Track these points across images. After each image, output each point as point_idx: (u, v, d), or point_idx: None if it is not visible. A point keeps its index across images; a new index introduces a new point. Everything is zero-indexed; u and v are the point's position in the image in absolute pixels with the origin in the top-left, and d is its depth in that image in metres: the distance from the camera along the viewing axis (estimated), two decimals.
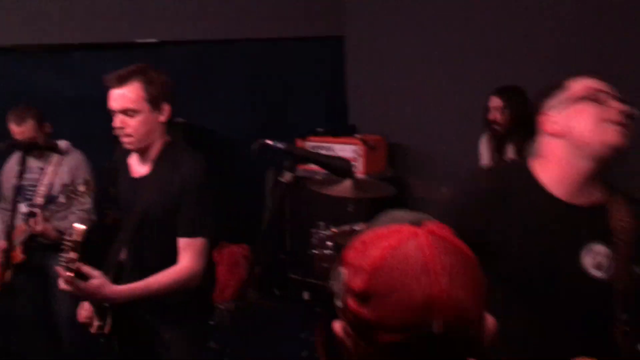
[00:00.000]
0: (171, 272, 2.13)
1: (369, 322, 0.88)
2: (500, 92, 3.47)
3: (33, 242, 3.39)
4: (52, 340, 3.61)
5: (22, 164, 2.36)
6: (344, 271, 0.94)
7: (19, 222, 3.57)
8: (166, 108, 2.21)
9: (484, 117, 3.52)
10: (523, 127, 3.40)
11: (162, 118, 2.21)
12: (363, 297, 0.89)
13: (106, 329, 2.18)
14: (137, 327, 2.27)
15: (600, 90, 1.54)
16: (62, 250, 2.05)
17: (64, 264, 1.98)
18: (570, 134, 1.55)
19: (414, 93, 4.53)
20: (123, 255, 2.30)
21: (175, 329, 2.24)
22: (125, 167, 2.34)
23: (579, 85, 1.57)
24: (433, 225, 0.94)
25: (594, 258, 1.55)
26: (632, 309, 1.52)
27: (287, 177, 1.80)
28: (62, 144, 2.58)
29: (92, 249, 2.28)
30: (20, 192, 3.49)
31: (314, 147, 4.46)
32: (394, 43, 4.63)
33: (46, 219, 3.25)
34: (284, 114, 4.78)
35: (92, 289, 2.02)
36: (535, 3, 3.79)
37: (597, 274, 1.54)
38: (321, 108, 5.01)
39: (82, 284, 2.00)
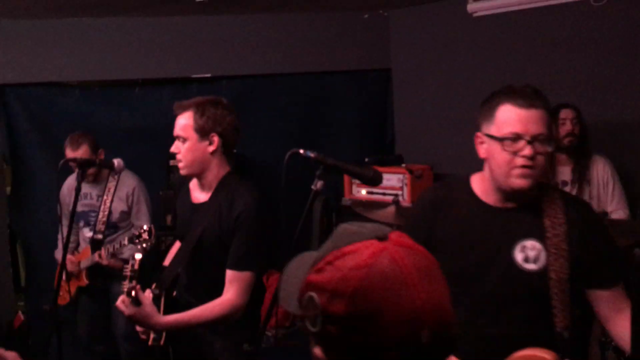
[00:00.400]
0: (215, 305, 2.24)
1: (356, 344, 0.86)
2: (568, 105, 3.44)
3: (97, 269, 3.61)
4: (110, 354, 3.80)
5: (79, 183, 2.52)
6: (314, 295, 0.90)
7: (84, 246, 3.80)
8: (215, 139, 2.31)
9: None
10: (583, 148, 3.42)
11: (211, 148, 2.31)
12: (346, 321, 0.86)
13: (161, 341, 2.32)
14: (190, 338, 2.40)
15: (517, 135, 1.68)
16: (123, 278, 2.28)
17: (125, 290, 2.17)
18: (489, 164, 1.78)
19: (459, 123, 4.57)
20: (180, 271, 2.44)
21: (224, 339, 2.34)
22: (185, 192, 2.49)
23: (503, 123, 1.71)
24: (396, 236, 0.93)
25: (526, 252, 1.73)
26: (563, 296, 1.68)
27: (317, 185, 1.88)
28: (117, 162, 2.75)
29: (146, 271, 2.44)
30: (82, 216, 3.73)
31: None
32: (439, 74, 4.71)
33: (112, 255, 3.45)
34: (333, 144, 4.88)
35: (142, 316, 2.18)
36: (571, 36, 3.81)
37: (529, 266, 1.72)
38: (369, 138, 5.11)
39: (134, 310, 2.16)
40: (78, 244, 3.86)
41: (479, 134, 1.80)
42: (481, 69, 4.38)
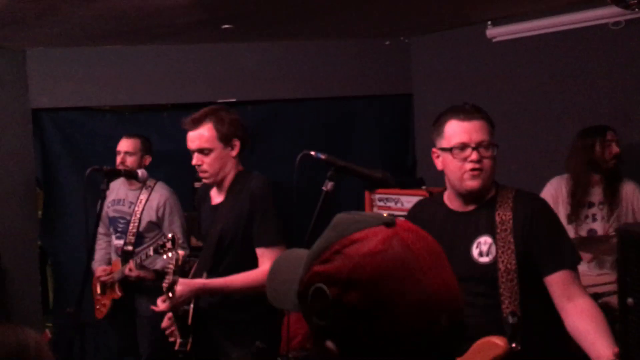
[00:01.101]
0: (251, 272, 2.34)
1: (373, 333, 0.82)
2: (610, 127, 3.42)
3: (126, 282, 3.68)
4: None
5: (104, 192, 2.62)
6: (323, 287, 0.86)
7: (114, 257, 3.85)
8: (237, 143, 2.44)
9: (583, 157, 3.40)
10: (617, 166, 3.40)
11: (234, 153, 2.44)
12: (362, 311, 0.83)
13: (188, 347, 2.38)
14: (212, 346, 2.46)
15: (463, 144, 1.93)
16: (166, 274, 2.35)
17: (166, 285, 2.25)
18: (445, 173, 2.02)
19: None
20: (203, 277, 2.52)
21: (241, 349, 2.40)
22: (207, 199, 2.60)
23: (450, 136, 1.97)
24: (401, 221, 0.90)
25: (480, 247, 1.95)
26: (511, 285, 1.87)
27: (328, 186, 1.97)
28: (140, 172, 2.86)
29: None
30: (112, 222, 3.80)
31: (381, 198, 4.60)
32: (459, 99, 4.76)
33: (141, 266, 3.51)
34: None
35: (182, 291, 2.28)
36: (591, 60, 3.85)
37: (483, 259, 1.93)
38: (390, 161, 5.17)
39: (173, 298, 2.26)
40: (109, 251, 3.89)
41: (434, 149, 2.04)
42: (501, 94, 4.43)
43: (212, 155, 2.41)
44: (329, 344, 0.86)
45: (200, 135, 2.41)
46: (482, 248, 1.95)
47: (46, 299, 4.68)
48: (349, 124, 5.08)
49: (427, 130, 5.28)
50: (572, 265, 1.92)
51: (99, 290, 3.84)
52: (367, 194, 4.67)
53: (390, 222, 0.88)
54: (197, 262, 2.56)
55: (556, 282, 1.89)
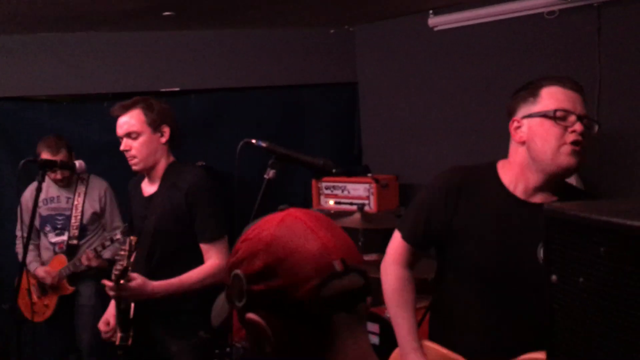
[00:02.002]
0: (202, 268, 2.34)
1: (281, 287, 0.94)
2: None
3: (74, 275, 3.61)
4: None
5: (40, 184, 2.54)
6: (237, 271, 0.98)
7: (48, 253, 3.75)
8: (166, 130, 2.43)
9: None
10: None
11: (163, 139, 2.44)
12: (267, 271, 0.95)
13: (129, 341, 2.35)
14: (151, 340, 2.43)
15: (567, 111, 1.66)
16: (116, 260, 2.31)
17: (117, 272, 2.22)
18: (531, 146, 1.71)
19: (424, 134, 4.71)
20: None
21: (181, 341, 2.39)
22: (138, 191, 2.56)
23: (550, 99, 1.69)
24: (294, 209, 1.05)
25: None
26: None
27: (270, 174, 1.97)
28: (78, 163, 2.80)
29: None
30: (48, 220, 3.71)
31: (328, 186, 4.63)
32: (403, 87, 4.84)
33: (98, 255, 3.48)
34: None
35: (137, 287, 2.25)
36: (527, 48, 3.98)
37: None
38: (336, 150, 5.21)
39: (128, 285, 2.23)
40: (39, 253, 3.80)
41: (515, 118, 1.76)
42: (444, 81, 4.52)
43: (141, 140, 2.39)
44: (250, 315, 0.96)
45: (128, 120, 2.41)
46: None
47: None
48: (295, 113, 5.09)
49: (372, 119, 5.38)
50: None
51: (36, 293, 3.73)
52: (314, 182, 4.70)
53: (283, 209, 1.04)
54: (135, 256, 2.52)
55: None
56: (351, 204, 4.47)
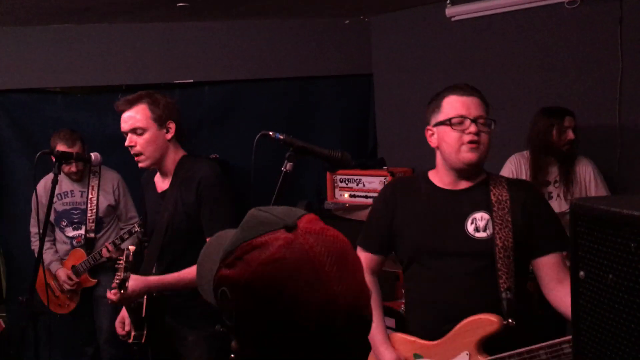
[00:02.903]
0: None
1: (272, 339, 0.85)
2: (571, 112, 3.47)
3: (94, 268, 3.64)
4: (97, 356, 3.81)
5: (56, 176, 2.49)
6: (226, 290, 0.89)
7: (65, 247, 3.77)
8: (172, 126, 2.39)
9: (543, 136, 3.45)
10: (572, 149, 3.47)
11: (169, 135, 2.39)
12: (259, 317, 0.85)
13: (143, 339, 2.34)
14: (167, 335, 2.42)
15: (462, 116, 1.95)
16: (116, 270, 2.30)
17: (117, 281, 2.20)
18: (440, 149, 2.02)
19: None
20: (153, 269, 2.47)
21: (196, 332, 2.37)
22: (151, 186, 2.54)
23: (449, 108, 1.99)
24: (305, 222, 0.91)
25: (476, 223, 1.96)
26: (508, 262, 1.90)
27: (287, 166, 1.95)
28: (94, 155, 2.77)
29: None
30: (64, 215, 3.72)
31: (343, 179, 4.59)
32: (420, 78, 4.78)
33: (117, 248, 3.52)
34: None
35: (131, 291, 2.24)
36: (547, 39, 3.89)
37: (479, 235, 1.95)
38: (351, 142, 5.16)
39: (125, 293, 2.22)
40: (56, 249, 3.81)
41: (428, 127, 2.05)
42: (460, 72, 4.45)
43: (146, 136, 2.35)
44: (233, 344, 0.91)
45: (133, 115, 2.36)
46: (479, 224, 1.95)
47: None
48: (310, 105, 5.04)
49: (388, 111, 5.33)
50: (562, 248, 1.97)
51: (58, 288, 3.75)
52: (328, 174, 4.66)
53: (291, 226, 0.89)
54: (146, 251, 2.50)
55: (549, 264, 1.93)
56: (366, 197, 4.43)
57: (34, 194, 3.23)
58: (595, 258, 1.05)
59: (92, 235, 3.67)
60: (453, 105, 1.97)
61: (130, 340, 2.40)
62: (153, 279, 2.31)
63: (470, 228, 1.96)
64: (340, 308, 0.86)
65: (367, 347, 2.05)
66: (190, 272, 2.29)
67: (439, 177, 2.05)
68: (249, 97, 4.87)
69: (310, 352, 0.85)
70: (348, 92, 5.18)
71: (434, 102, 2.04)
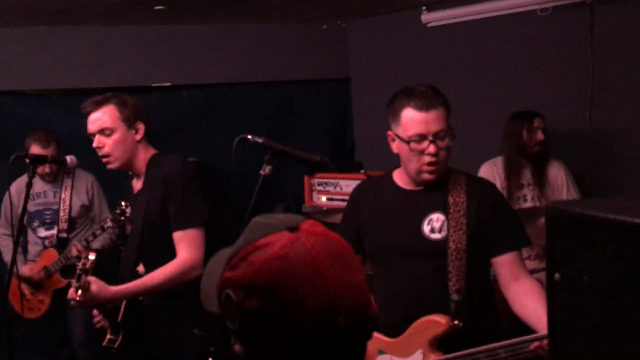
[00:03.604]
0: (168, 266, 2.26)
1: (274, 338, 0.87)
2: (539, 114, 3.54)
3: (67, 268, 3.55)
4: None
5: (30, 179, 2.45)
6: (230, 293, 0.90)
7: (37, 248, 3.71)
8: (141, 127, 2.37)
9: (514, 140, 3.54)
10: (544, 150, 3.55)
11: (138, 137, 2.37)
12: (262, 316, 0.87)
13: (116, 344, 2.31)
14: (155, 343, 2.39)
15: (420, 135, 1.90)
16: (77, 277, 2.24)
17: (76, 286, 2.18)
18: (401, 159, 2.00)
19: None
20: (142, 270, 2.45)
21: (189, 334, 2.35)
22: (130, 189, 2.52)
23: (407, 124, 1.92)
24: (308, 225, 0.93)
25: (432, 224, 1.97)
26: (459, 264, 1.91)
27: (266, 170, 1.93)
28: (69, 158, 2.74)
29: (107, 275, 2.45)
30: (36, 216, 3.67)
31: (320, 182, 4.62)
32: (396, 83, 4.80)
33: (87, 246, 3.41)
34: None
35: (93, 296, 2.19)
36: (520, 45, 3.98)
37: (434, 236, 1.96)
38: (329, 146, 5.19)
39: (86, 296, 2.17)
40: (26, 250, 3.76)
41: (389, 132, 2.01)
42: (436, 78, 4.50)
43: (115, 137, 2.31)
44: (236, 347, 0.91)
45: (101, 117, 2.32)
46: (434, 225, 1.97)
47: None
48: (288, 109, 5.07)
49: (365, 115, 5.37)
50: (519, 247, 1.98)
51: (28, 290, 3.69)
52: (306, 178, 4.68)
53: (293, 227, 0.91)
54: (123, 254, 2.48)
55: (504, 263, 1.95)
56: (343, 200, 4.45)
57: (7, 194, 3.18)
58: (571, 260, 1.08)
59: (64, 235, 3.63)
60: (411, 122, 1.92)
61: (104, 344, 2.37)
62: (114, 289, 2.25)
63: (426, 229, 1.97)
64: (342, 306, 0.87)
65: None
66: (153, 277, 2.25)
67: (400, 177, 2.06)
68: (227, 101, 4.87)
69: (314, 351, 0.87)
70: (325, 96, 5.22)
71: (392, 107, 1.99)
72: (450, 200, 1.96)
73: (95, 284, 2.21)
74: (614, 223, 0.96)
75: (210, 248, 2.35)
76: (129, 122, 2.34)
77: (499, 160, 3.69)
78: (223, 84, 4.87)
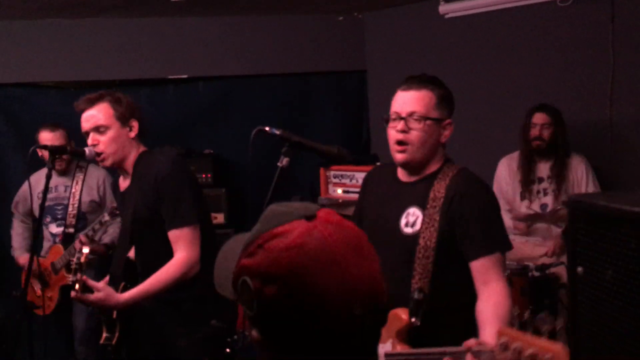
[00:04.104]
0: (167, 267, 2.27)
1: (291, 325, 0.88)
2: (545, 109, 3.53)
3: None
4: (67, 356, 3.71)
5: (50, 170, 2.43)
6: (247, 280, 0.91)
7: (48, 244, 3.69)
8: (135, 124, 2.36)
9: (523, 134, 3.56)
10: (561, 145, 3.51)
11: (132, 134, 2.36)
12: (280, 303, 0.88)
13: (113, 341, 2.32)
14: (148, 338, 2.39)
15: (395, 112, 1.88)
16: (73, 271, 2.25)
17: (72, 280, 2.19)
18: None
19: None
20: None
21: (190, 335, 2.34)
22: (116, 188, 2.52)
23: (392, 103, 1.90)
24: (324, 213, 0.94)
25: (408, 218, 1.93)
26: (425, 262, 1.85)
27: (283, 162, 1.91)
28: (87, 150, 2.73)
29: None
30: (48, 211, 3.64)
31: (336, 175, 4.61)
32: (411, 73, 4.79)
33: (92, 240, 3.40)
34: None
35: (98, 300, 2.21)
36: (539, 36, 3.93)
37: (407, 230, 1.92)
38: (344, 138, 5.17)
39: (89, 296, 2.18)
40: (41, 245, 3.71)
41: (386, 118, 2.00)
42: (453, 69, 4.48)
43: (109, 134, 2.31)
44: (254, 332, 0.93)
45: (95, 114, 2.32)
46: (410, 219, 1.92)
47: None
48: (304, 101, 5.05)
49: (381, 107, 5.33)
50: (492, 251, 1.86)
51: (37, 286, 3.66)
52: (322, 170, 4.67)
53: (310, 216, 0.92)
54: (115, 250, 2.48)
55: (477, 268, 1.85)
56: (359, 192, 4.44)
57: (26, 184, 3.18)
58: (594, 254, 1.07)
59: (71, 230, 3.56)
60: (394, 101, 1.93)
61: (101, 342, 2.37)
62: (122, 298, 2.25)
63: (402, 222, 1.93)
64: (358, 295, 0.88)
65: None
66: (156, 280, 2.24)
67: (398, 168, 2.03)
68: (243, 93, 4.87)
69: (330, 339, 0.88)
70: (341, 88, 5.20)
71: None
72: (431, 194, 1.90)
73: (103, 291, 2.22)
74: (639, 216, 0.95)
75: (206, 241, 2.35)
76: (123, 120, 2.34)
77: (516, 155, 3.67)
78: (239, 76, 4.87)
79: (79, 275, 2.20)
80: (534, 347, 0.87)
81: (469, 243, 1.86)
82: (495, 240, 1.87)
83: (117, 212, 2.64)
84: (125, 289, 2.35)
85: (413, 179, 1.97)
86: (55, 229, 3.66)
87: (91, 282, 2.22)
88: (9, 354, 4.02)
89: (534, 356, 0.86)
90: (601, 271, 1.06)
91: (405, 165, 1.93)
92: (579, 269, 1.12)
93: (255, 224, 0.98)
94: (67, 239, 3.60)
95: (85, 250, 2.29)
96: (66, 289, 3.62)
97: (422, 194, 1.91)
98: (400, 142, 1.88)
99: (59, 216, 3.67)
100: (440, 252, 1.84)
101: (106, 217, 3.20)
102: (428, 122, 1.88)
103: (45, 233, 3.72)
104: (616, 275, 1.01)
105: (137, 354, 2.46)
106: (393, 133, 1.90)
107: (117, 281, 2.39)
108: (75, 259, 2.24)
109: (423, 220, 1.88)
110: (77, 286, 2.18)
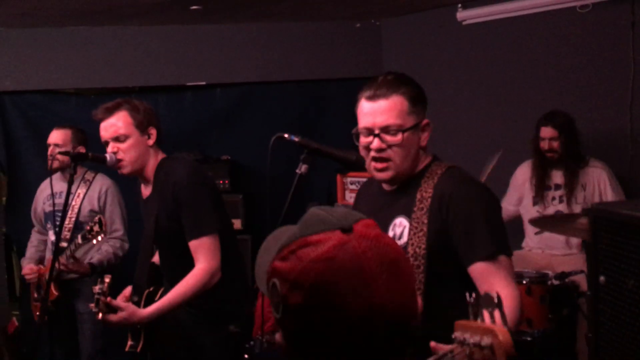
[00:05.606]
0: (189, 278, 2.27)
1: (312, 336, 0.88)
2: (553, 122, 3.51)
3: (63, 282, 3.36)
4: None
5: (72, 176, 2.45)
6: (277, 283, 0.91)
7: (49, 254, 3.48)
8: (153, 132, 2.38)
9: (534, 146, 3.58)
10: (573, 154, 3.50)
11: (151, 142, 2.38)
12: (303, 313, 0.88)
13: (138, 349, 2.33)
14: (173, 339, 2.41)
15: (366, 128, 1.72)
16: (93, 300, 2.26)
17: (95, 311, 2.21)
18: None
19: (452, 130, 4.65)
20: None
21: (211, 334, 2.36)
22: (140, 195, 2.53)
23: (359, 117, 1.76)
24: (362, 226, 0.91)
25: (394, 230, 1.77)
26: (416, 271, 1.65)
27: (302, 168, 1.91)
28: (109, 156, 2.70)
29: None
30: (49, 217, 3.52)
31: (353, 181, 4.60)
32: (430, 82, 4.77)
33: (73, 259, 3.22)
34: None
35: (122, 320, 2.22)
36: (559, 43, 3.90)
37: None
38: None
39: (113, 318, 2.21)
40: (41, 249, 3.67)
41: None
42: (471, 76, 4.46)
43: (129, 142, 2.33)
44: (278, 336, 0.94)
45: (115, 123, 2.33)
46: (397, 231, 1.78)
47: (12, 286, 4.57)
48: (320, 108, 5.06)
49: None
50: (489, 256, 1.66)
51: (36, 295, 3.58)
52: (338, 177, 4.67)
53: (347, 228, 0.90)
54: (138, 259, 2.48)
55: (475, 273, 1.67)
56: None
57: (49, 181, 3.18)
58: (616, 263, 1.06)
59: (63, 244, 3.23)
60: (360, 114, 1.75)
61: (127, 349, 2.39)
62: (146, 311, 2.27)
63: (390, 234, 1.77)
64: (384, 317, 0.87)
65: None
66: (178, 292, 2.26)
67: None
68: (260, 100, 4.89)
69: (350, 354, 0.87)
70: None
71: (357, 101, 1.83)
72: (418, 196, 1.72)
73: (126, 310, 2.23)
74: None
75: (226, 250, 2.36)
76: (142, 128, 2.36)
77: (531, 161, 3.66)
78: (257, 83, 4.89)
79: (101, 303, 2.21)
80: (489, 334, 0.81)
81: (464, 248, 1.67)
82: (487, 245, 1.66)
83: (89, 236, 2.66)
84: (150, 294, 2.37)
85: (395, 185, 1.83)
86: (52, 237, 3.53)
87: (114, 303, 2.24)
88: (30, 358, 4.05)
89: (491, 345, 0.81)
90: (623, 280, 1.04)
91: (390, 182, 1.80)
92: (601, 278, 1.11)
93: (297, 224, 0.97)
94: (57, 253, 3.23)
95: (107, 279, 2.29)
96: (55, 302, 3.37)
97: (408, 200, 1.75)
98: (378, 160, 1.72)
99: (58, 223, 3.57)
100: (431, 258, 1.67)
101: (79, 240, 3.07)
102: (406, 133, 1.71)
103: (48, 241, 3.62)
104: (638, 284, 1.00)
105: (163, 356, 2.47)
106: (366, 151, 1.74)
107: (141, 290, 2.41)
108: (98, 289, 2.24)
109: (410, 228, 1.72)
110: (100, 315, 2.21)
